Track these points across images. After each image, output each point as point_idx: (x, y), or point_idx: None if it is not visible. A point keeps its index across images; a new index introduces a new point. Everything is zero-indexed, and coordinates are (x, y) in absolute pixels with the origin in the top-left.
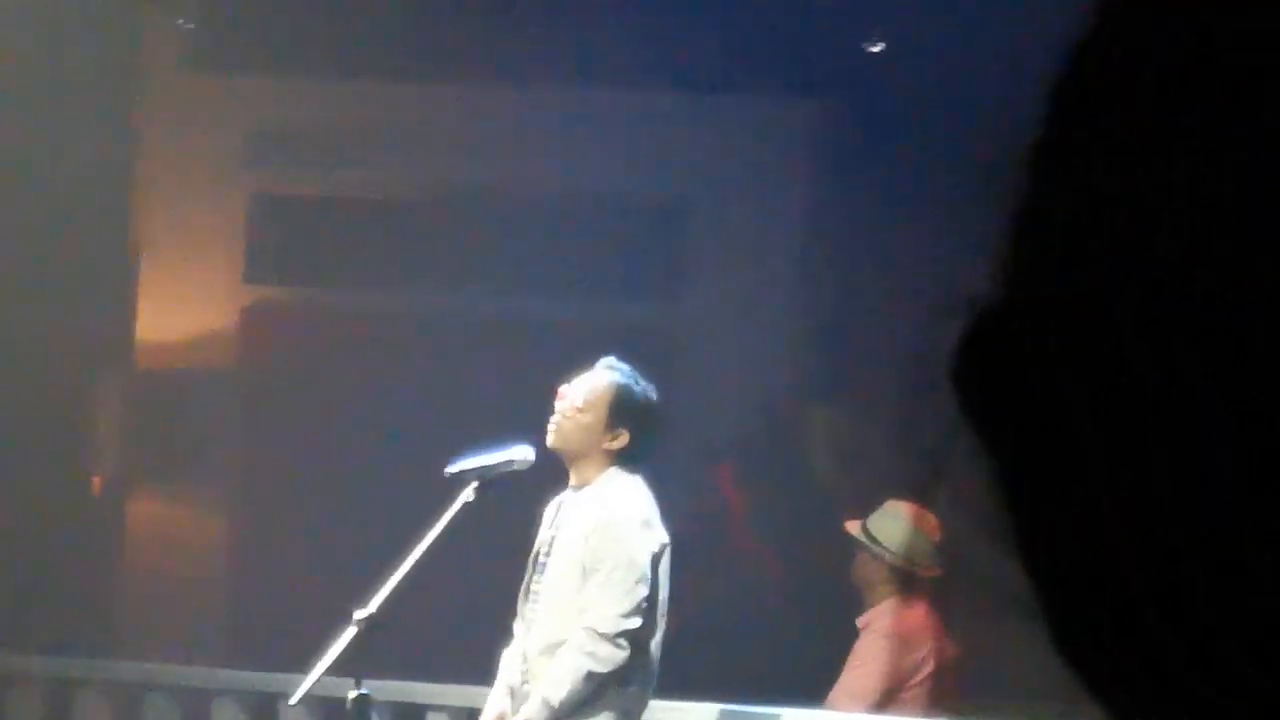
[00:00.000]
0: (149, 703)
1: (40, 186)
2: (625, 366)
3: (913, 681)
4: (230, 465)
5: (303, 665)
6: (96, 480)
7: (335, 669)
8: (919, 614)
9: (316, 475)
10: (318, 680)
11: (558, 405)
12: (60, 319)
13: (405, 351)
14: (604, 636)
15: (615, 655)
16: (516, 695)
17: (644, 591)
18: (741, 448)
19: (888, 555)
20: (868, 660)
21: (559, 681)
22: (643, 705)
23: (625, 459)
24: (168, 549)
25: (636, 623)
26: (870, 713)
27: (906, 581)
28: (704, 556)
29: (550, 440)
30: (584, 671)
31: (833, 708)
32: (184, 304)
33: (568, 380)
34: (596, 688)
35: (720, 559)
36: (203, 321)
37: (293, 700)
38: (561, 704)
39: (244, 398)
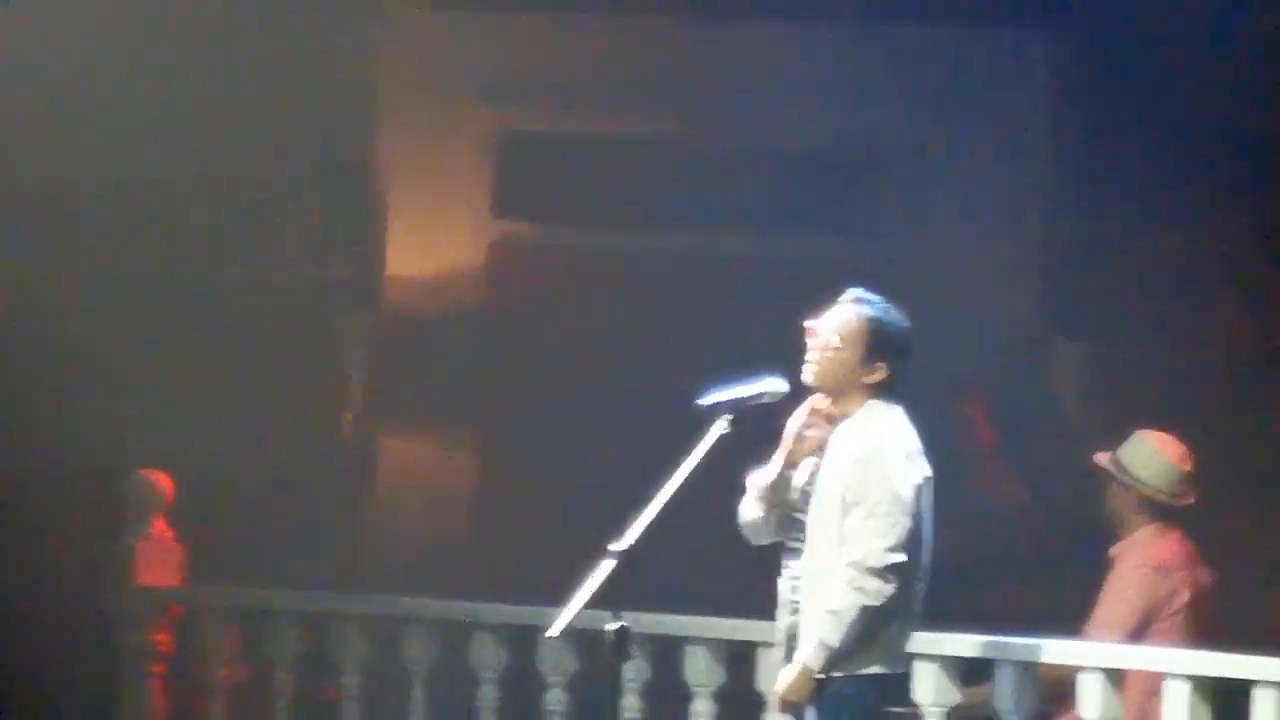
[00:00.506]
0: (406, 637)
1: (288, 125)
2: (874, 298)
3: (1168, 611)
4: (480, 400)
5: (559, 599)
6: (347, 418)
7: (593, 602)
8: (1172, 544)
9: (567, 409)
10: (576, 613)
11: (810, 343)
12: (310, 258)
13: (652, 286)
14: (871, 571)
15: (883, 589)
16: (787, 628)
17: (908, 525)
18: (989, 382)
19: (1139, 485)
20: (1122, 591)
21: (832, 621)
22: (907, 639)
23: (883, 391)
24: (420, 484)
25: (902, 557)
26: (1126, 643)
27: (1159, 511)
28: (957, 491)
29: (808, 378)
30: (856, 607)
31: (1089, 638)
32: (432, 241)
33: (815, 316)
34: (867, 623)
35: (973, 493)
36: (450, 258)
37: (551, 632)
38: (840, 643)
39: (492, 334)
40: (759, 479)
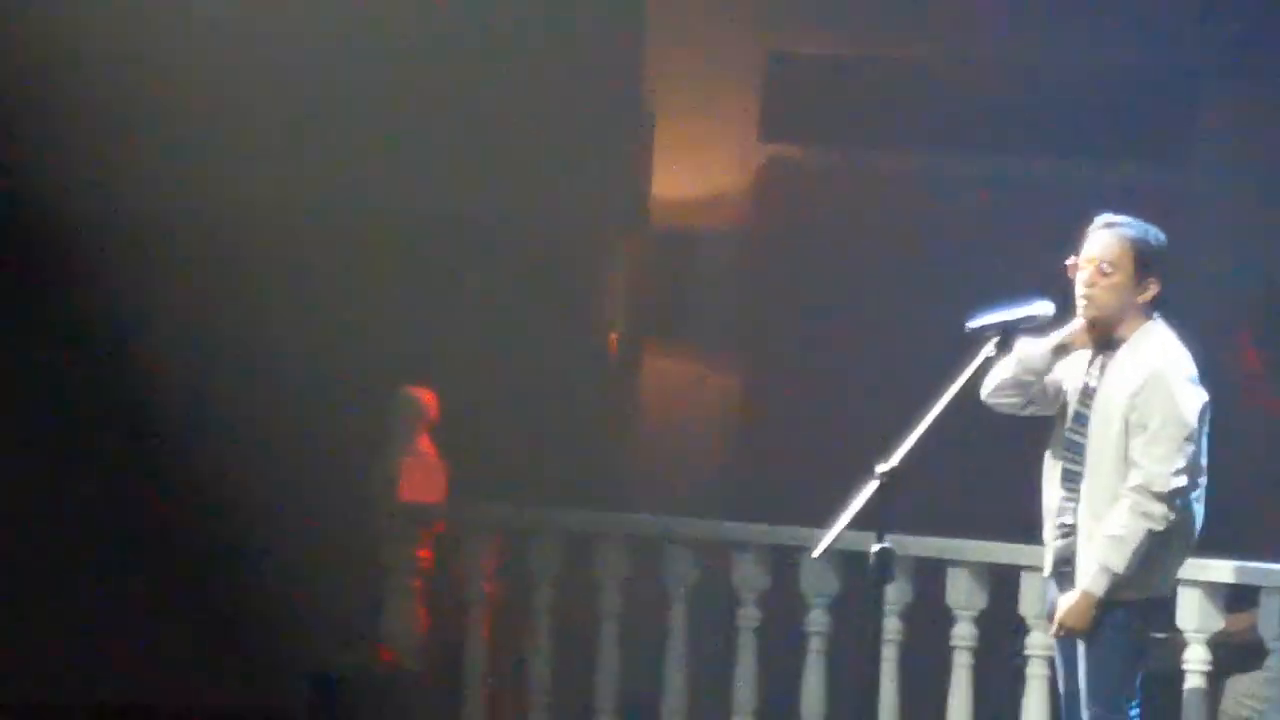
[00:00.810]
0: (668, 555)
1: (560, 48)
2: (1125, 218)
3: None
4: (746, 322)
5: (821, 520)
6: (613, 337)
7: (857, 523)
8: None
9: (833, 331)
10: (839, 534)
11: (1079, 278)
12: (578, 178)
13: (920, 209)
14: (1157, 495)
15: (1168, 514)
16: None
17: (1192, 449)
18: (1256, 309)
19: None
20: None
21: (1116, 546)
22: (1179, 565)
23: (1157, 308)
24: (684, 404)
25: (1184, 481)
26: None
27: None
28: (1226, 418)
29: (1086, 313)
30: (1143, 531)
31: None
32: (700, 162)
33: (1074, 251)
34: (1150, 547)
35: (1241, 421)
36: (718, 180)
37: (815, 553)
38: (1125, 568)
39: (759, 255)
40: (1027, 347)
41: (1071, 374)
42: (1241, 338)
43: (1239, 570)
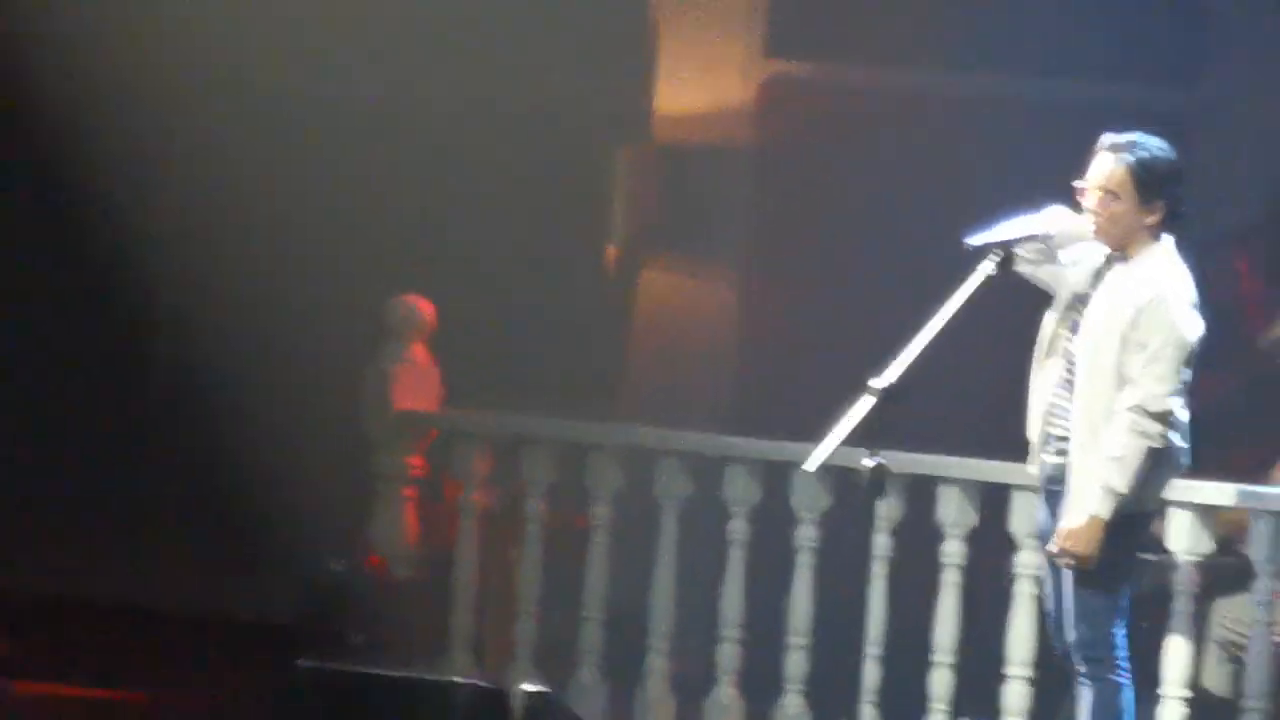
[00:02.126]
0: (661, 468)
1: None
2: (1129, 138)
3: None
4: (746, 237)
5: (815, 434)
6: (611, 251)
7: (850, 439)
8: None
9: (833, 247)
10: (832, 449)
11: (1085, 204)
12: (579, 90)
13: (922, 128)
14: (1154, 415)
15: (1165, 432)
16: (1050, 469)
17: (1188, 374)
18: (1256, 231)
19: None
20: None
21: (1117, 467)
22: (1166, 484)
23: (1166, 228)
24: (681, 317)
25: (1180, 403)
26: None
27: None
28: (1221, 341)
29: (1096, 237)
30: (1143, 450)
31: None
32: (704, 77)
33: (1078, 174)
34: (1147, 466)
35: (1232, 345)
36: (722, 95)
37: (808, 467)
38: (1127, 487)
39: (761, 170)
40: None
41: (1072, 277)
42: (1240, 261)
43: (1229, 493)
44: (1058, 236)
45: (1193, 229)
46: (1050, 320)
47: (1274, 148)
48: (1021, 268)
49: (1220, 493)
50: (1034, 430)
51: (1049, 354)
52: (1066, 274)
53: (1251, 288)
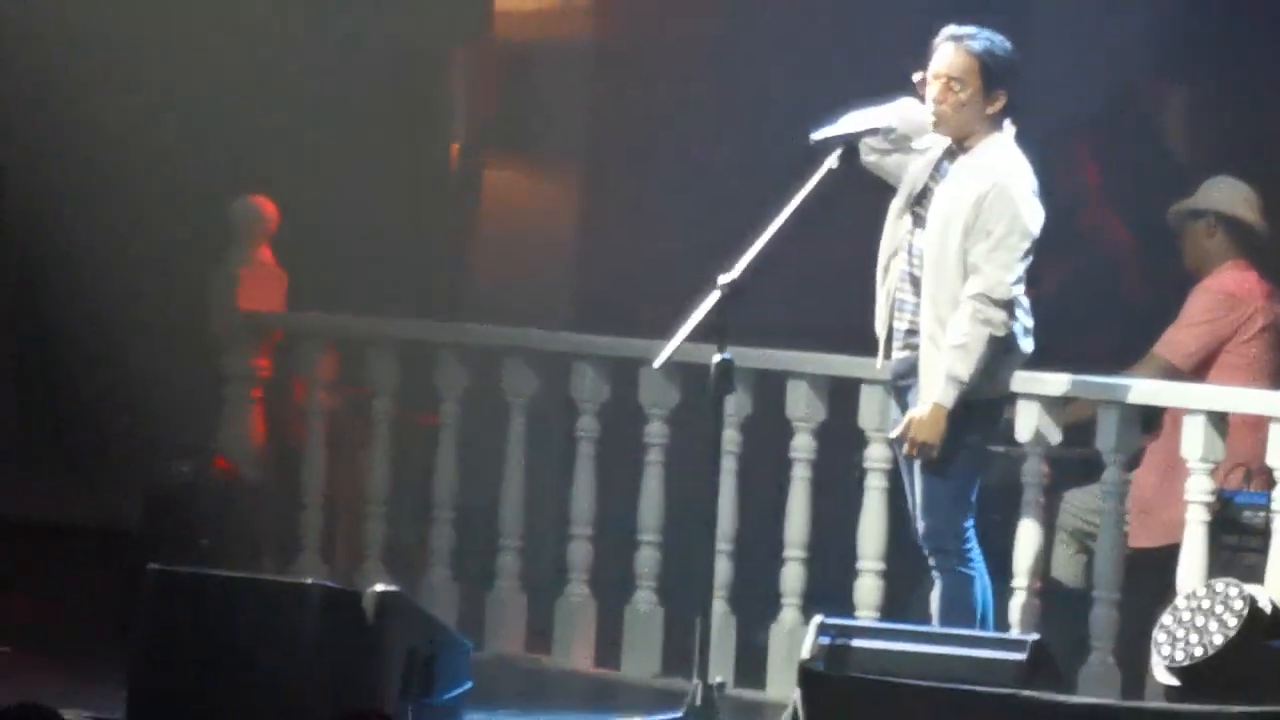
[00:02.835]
0: (507, 367)
1: None
2: (971, 29)
3: (1238, 341)
4: (589, 134)
5: (662, 331)
6: (454, 149)
7: (697, 334)
8: (1248, 278)
9: (677, 144)
10: (680, 345)
11: (928, 94)
12: None
13: (766, 21)
14: (997, 302)
15: (1009, 320)
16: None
17: (1031, 260)
18: (1096, 121)
19: (1215, 207)
20: (1191, 315)
21: (961, 355)
22: (1013, 372)
23: (1005, 119)
24: (525, 216)
25: (1022, 289)
26: (1189, 366)
27: (1236, 243)
28: (1061, 230)
29: (937, 129)
30: (986, 337)
31: (1155, 359)
32: None
33: (919, 66)
34: (992, 354)
35: (1074, 232)
36: None
37: (655, 363)
38: (970, 376)
39: (603, 67)
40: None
41: (914, 170)
42: (1080, 151)
43: (1075, 383)
44: (901, 128)
45: (1034, 119)
46: (894, 214)
47: (1113, 38)
48: (868, 158)
49: (1065, 383)
50: (881, 325)
51: (894, 249)
52: (912, 167)
53: (1093, 176)
